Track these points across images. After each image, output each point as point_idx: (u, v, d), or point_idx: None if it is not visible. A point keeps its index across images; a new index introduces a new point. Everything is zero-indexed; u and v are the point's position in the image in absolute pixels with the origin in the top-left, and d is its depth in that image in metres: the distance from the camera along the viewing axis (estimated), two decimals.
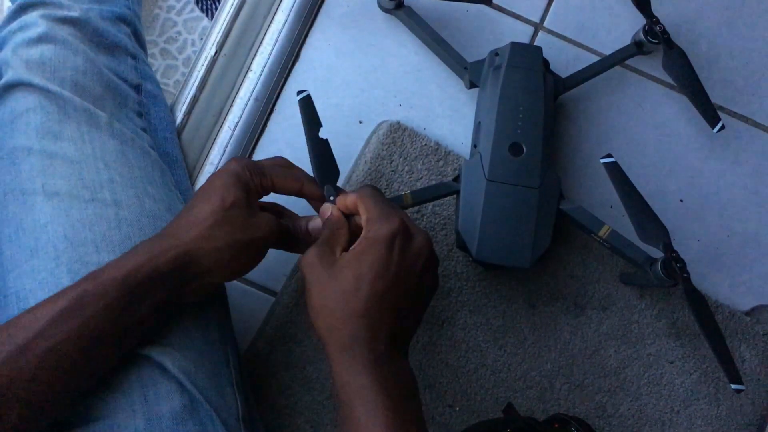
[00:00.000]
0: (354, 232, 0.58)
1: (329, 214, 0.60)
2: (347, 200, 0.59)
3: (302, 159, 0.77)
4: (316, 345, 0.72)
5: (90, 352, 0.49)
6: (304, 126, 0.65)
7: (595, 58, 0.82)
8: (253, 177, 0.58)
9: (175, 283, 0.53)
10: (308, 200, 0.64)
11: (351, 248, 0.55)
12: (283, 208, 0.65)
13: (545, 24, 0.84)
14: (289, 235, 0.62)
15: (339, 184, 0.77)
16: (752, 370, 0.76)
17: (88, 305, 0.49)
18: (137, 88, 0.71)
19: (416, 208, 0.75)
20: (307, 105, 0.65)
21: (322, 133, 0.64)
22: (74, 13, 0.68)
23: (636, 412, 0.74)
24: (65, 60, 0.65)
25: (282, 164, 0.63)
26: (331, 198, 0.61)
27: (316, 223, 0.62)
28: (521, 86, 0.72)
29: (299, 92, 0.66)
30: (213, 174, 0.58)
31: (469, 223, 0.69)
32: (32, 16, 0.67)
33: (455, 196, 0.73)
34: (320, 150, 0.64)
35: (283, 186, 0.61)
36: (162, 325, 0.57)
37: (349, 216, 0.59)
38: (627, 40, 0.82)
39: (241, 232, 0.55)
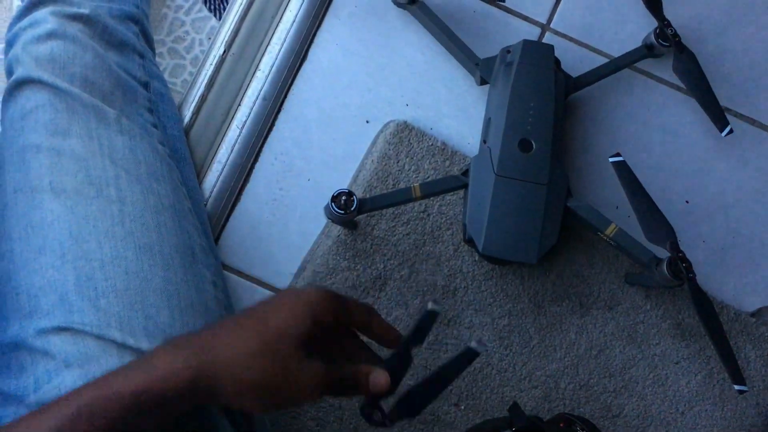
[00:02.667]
0: None
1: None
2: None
3: (309, 158, 0.78)
4: None
5: None
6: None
7: (602, 59, 0.83)
8: (328, 314, 0.48)
9: (185, 406, 0.45)
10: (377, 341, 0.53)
11: None
12: (351, 342, 0.54)
13: (552, 25, 0.84)
14: (342, 385, 0.50)
15: (345, 184, 0.77)
16: (757, 371, 0.76)
17: (88, 419, 0.43)
18: (146, 86, 0.72)
19: (422, 207, 0.75)
20: None
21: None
22: (84, 10, 0.68)
23: (641, 412, 0.74)
24: (74, 56, 0.65)
25: (366, 309, 0.53)
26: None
27: (379, 378, 0.50)
28: (532, 83, 0.72)
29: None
30: (286, 293, 0.49)
31: (476, 217, 0.69)
32: (42, 12, 0.67)
33: (463, 190, 0.74)
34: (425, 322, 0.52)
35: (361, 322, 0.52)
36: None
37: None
38: (633, 42, 0.82)
39: (280, 375, 0.46)
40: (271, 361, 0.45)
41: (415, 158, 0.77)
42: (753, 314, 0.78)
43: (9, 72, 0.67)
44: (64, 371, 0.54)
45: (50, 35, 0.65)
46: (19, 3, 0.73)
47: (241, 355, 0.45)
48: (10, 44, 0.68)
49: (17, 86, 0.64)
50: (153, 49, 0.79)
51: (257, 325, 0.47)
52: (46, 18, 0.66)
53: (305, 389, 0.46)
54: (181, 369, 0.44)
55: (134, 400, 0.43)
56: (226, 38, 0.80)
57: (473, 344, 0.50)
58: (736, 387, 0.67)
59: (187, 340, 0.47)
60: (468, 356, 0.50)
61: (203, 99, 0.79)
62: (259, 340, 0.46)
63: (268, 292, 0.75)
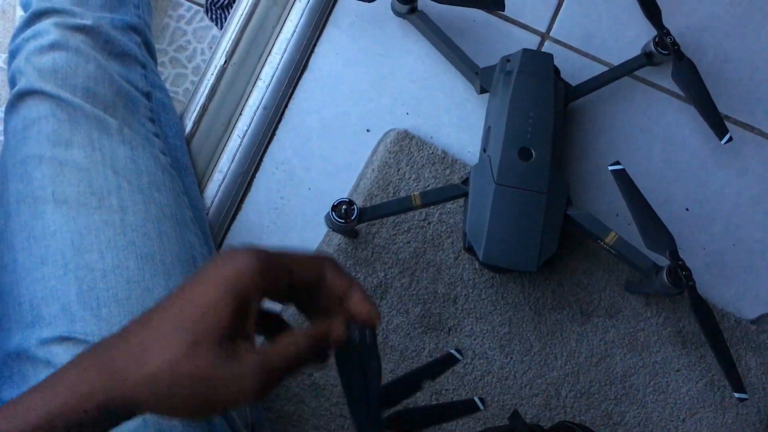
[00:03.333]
0: None
1: None
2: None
3: (310, 167, 0.78)
4: None
5: None
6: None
7: (601, 67, 0.83)
8: (257, 289, 0.39)
9: (104, 428, 0.40)
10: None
11: None
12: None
13: (551, 34, 0.85)
14: (296, 366, 0.41)
15: (345, 193, 0.78)
16: (758, 378, 0.76)
17: None
18: (147, 96, 0.72)
19: (423, 216, 0.76)
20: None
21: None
22: (87, 21, 0.68)
23: (642, 420, 0.74)
24: (77, 67, 0.66)
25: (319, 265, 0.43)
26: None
27: (336, 329, 0.43)
28: (532, 92, 0.72)
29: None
30: (208, 266, 0.40)
31: (476, 225, 0.70)
32: (45, 24, 0.68)
33: (464, 198, 0.74)
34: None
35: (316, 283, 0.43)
36: None
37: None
38: (633, 50, 0.83)
39: (202, 383, 0.38)
40: (189, 367, 0.38)
41: (415, 167, 0.77)
42: (754, 321, 0.78)
43: (12, 83, 0.68)
44: None
45: (53, 46, 0.66)
46: (22, 14, 0.73)
47: (154, 367, 0.38)
48: (13, 55, 0.69)
49: (20, 97, 0.64)
50: (155, 59, 0.79)
51: (172, 320, 0.39)
52: (48, 29, 0.67)
53: (237, 392, 0.38)
54: (88, 394, 0.38)
55: (46, 428, 0.37)
56: (227, 48, 0.81)
57: (453, 351, 0.50)
58: (737, 395, 0.67)
59: (95, 357, 0.40)
60: (449, 362, 0.50)
61: (204, 109, 0.79)
62: (173, 343, 0.38)
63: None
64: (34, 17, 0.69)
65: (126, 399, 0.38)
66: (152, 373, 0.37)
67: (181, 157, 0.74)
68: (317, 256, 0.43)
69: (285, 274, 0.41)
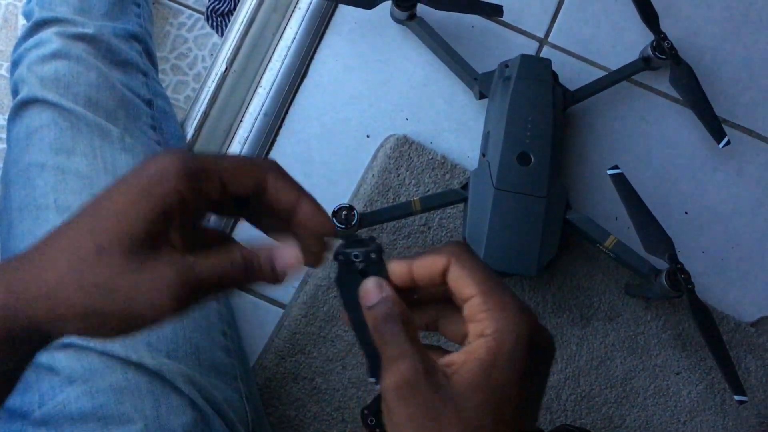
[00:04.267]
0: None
1: (381, 296, 0.38)
2: (430, 263, 0.37)
3: (311, 174, 0.79)
4: (325, 357, 0.72)
5: None
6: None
7: (599, 72, 0.83)
8: (175, 194, 0.35)
9: (8, 355, 0.36)
10: (299, 233, 0.39)
11: (467, 353, 0.35)
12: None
13: (550, 39, 0.85)
14: (229, 278, 0.37)
15: (345, 199, 0.78)
16: (758, 381, 0.76)
17: None
18: (149, 104, 0.73)
19: (423, 221, 0.76)
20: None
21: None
22: (88, 30, 0.69)
23: (642, 423, 0.74)
24: (78, 76, 0.66)
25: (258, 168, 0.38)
26: (373, 256, 0.39)
27: (287, 256, 0.38)
28: (530, 97, 0.73)
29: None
30: (134, 170, 0.36)
31: (476, 230, 0.70)
32: (47, 33, 0.68)
33: (463, 203, 0.74)
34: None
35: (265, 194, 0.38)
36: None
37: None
38: (631, 55, 0.83)
39: (107, 295, 0.34)
40: (93, 277, 0.33)
41: (415, 172, 0.78)
42: (753, 324, 0.79)
43: (14, 91, 0.68)
44: (68, 387, 0.54)
45: (55, 55, 0.66)
46: (25, 23, 0.74)
47: (54, 280, 0.34)
48: (15, 64, 0.69)
49: (23, 106, 0.65)
50: (156, 67, 0.80)
51: (80, 230, 0.35)
52: (50, 38, 0.68)
53: (149, 304, 0.34)
54: None
55: None
56: (227, 55, 0.81)
57: None
58: (737, 398, 0.67)
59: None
60: None
61: (206, 116, 0.80)
62: (78, 253, 0.34)
63: (270, 306, 0.76)
64: (37, 26, 0.69)
65: (28, 318, 0.34)
66: (53, 286, 0.33)
67: None
68: (257, 161, 0.38)
69: (215, 181, 0.36)
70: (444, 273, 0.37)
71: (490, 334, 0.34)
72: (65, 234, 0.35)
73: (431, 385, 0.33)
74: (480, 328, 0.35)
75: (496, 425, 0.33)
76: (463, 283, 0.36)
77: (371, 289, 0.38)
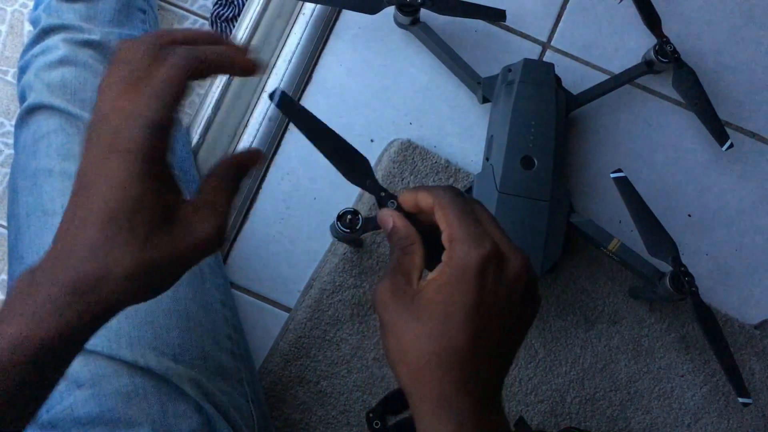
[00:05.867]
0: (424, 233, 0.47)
1: (391, 225, 0.47)
2: (418, 197, 0.47)
3: (316, 178, 0.79)
4: (330, 360, 0.73)
5: None
6: (299, 123, 0.50)
7: (602, 76, 0.84)
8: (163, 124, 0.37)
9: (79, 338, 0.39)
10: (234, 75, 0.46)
11: (431, 277, 0.44)
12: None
13: (552, 43, 0.86)
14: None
15: (350, 203, 0.78)
16: (762, 383, 0.76)
17: None
18: None
19: None
20: (286, 103, 0.49)
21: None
22: (95, 37, 0.70)
23: (647, 425, 0.74)
24: (86, 82, 0.67)
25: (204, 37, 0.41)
26: (392, 202, 0.48)
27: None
28: (533, 101, 0.73)
29: (270, 95, 0.49)
30: (87, 147, 0.38)
31: None
32: (54, 39, 0.69)
33: None
34: (337, 143, 0.51)
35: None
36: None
37: (412, 217, 0.48)
38: (633, 58, 0.84)
39: (155, 246, 0.37)
40: (154, 253, 0.37)
41: (419, 176, 0.78)
42: (757, 326, 0.79)
43: (22, 98, 0.69)
44: (76, 391, 0.55)
45: (62, 61, 0.67)
46: (31, 29, 0.75)
47: (130, 266, 0.37)
48: (22, 70, 0.70)
49: (30, 112, 0.65)
50: None
51: (102, 216, 0.36)
52: (57, 45, 0.68)
53: (202, 237, 0.40)
54: (48, 311, 0.36)
55: (10, 361, 0.35)
56: None
57: None
58: (741, 400, 0.67)
59: (53, 280, 0.36)
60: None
61: (211, 121, 0.80)
62: (123, 239, 0.36)
63: (276, 310, 0.76)
64: (43, 33, 0.70)
65: (108, 304, 0.37)
66: (131, 272, 0.37)
67: (188, 169, 0.75)
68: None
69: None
70: (429, 207, 0.46)
71: (446, 262, 0.43)
72: (85, 228, 0.37)
73: (401, 299, 0.43)
74: (446, 257, 0.43)
75: (446, 334, 0.41)
76: (439, 220, 0.45)
77: (384, 219, 0.48)
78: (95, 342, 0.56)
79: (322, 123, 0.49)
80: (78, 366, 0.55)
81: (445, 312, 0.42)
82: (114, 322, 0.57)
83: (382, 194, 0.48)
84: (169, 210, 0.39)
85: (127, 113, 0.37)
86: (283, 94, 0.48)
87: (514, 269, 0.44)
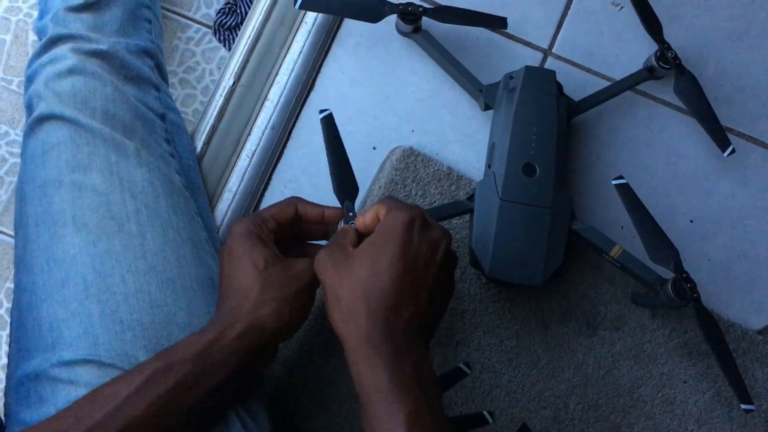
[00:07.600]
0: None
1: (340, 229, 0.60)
2: (366, 218, 0.57)
3: (318, 185, 0.80)
4: (333, 367, 0.73)
5: (165, 426, 0.51)
6: (326, 143, 0.65)
7: (604, 83, 0.84)
8: (263, 228, 0.59)
9: (246, 353, 0.54)
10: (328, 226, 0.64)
11: (366, 239, 0.54)
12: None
13: (554, 50, 0.86)
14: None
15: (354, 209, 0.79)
16: (764, 389, 0.76)
17: (160, 383, 0.50)
18: (162, 117, 0.74)
19: None
20: (329, 123, 0.66)
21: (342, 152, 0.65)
22: (102, 46, 0.70)
23: (650, 431, 0.74)
24: (95, 90, 0.67)
25: (289, 204, 0.63)
26: (350, 214, 0.61)
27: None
28: (535, 109, 0.74)
29: (321, 111, 0.66)
30: (227, 245, 0.59)
31: (482, 241, 0.71)
32: (62, 49, 0.69)
33: (469, 214, 0.75)
34: (342, 165, 0.64)
35: (302, 216, 0.63)
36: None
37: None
38: (635, 65, 0.84)
39: (287, 287, 0.56)
40: (276, 284, 0.57)
41: (421, 183, 0.78)
42: (760, 332, 0.79)
43: (29, 107, 0.69)
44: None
45: (71, 71, 0.67)
46: (35, 39, 0.75)
47: (257, 299, 0.55)
48: (30, 80, 0.70)
49: (39, 122, 0.66)
50: (167, 82, 0.81)
51: (242, 277, 0.57)
52: (66, 54, 0.69)
53: (307, 275, 0.57)
54: (230, 325, 0.54)
55: (199, 360, 0.52)
56: (235, 70, 0.82)
57: (462, 365, 0.54)
58: (743, 406, 0.67)
59: (218, 315, 0.56)
60: (458, 376, 0.56)
61: (214, 129, 0.81)
62: (256, 284, 0.56)
63: None
64: (51, 43, 0.70)
65: (253, 326, 0.54)
66: (250, 300, 0.55)
67: (194, 177, 0.76)
68: (287, 200, 0.63)
69: (269, 221, 0.60)
70: (374, 220, 0.56)
71: (378, 226, 0.54)
72: (233, 285, 0.58)
73: (335, 257, 0.53)
74: (379, 225, 0.54)
75: (373, 277, 0.50)
76: (379, 211, 0.56)
77: (341, 228, 0.60)
78: (111, 354, 0.56)
79: (342, 146, 0.64)
80: (91, 377, 0.54)
81: (373, 260, 0.50)
82: (129, 335, 0.58)
83: (351, 214, 0.61)
84: (285, 267, 0.58)
85: None
86: (331, 115, 0.66)
87: (437, 233, 0.53)
